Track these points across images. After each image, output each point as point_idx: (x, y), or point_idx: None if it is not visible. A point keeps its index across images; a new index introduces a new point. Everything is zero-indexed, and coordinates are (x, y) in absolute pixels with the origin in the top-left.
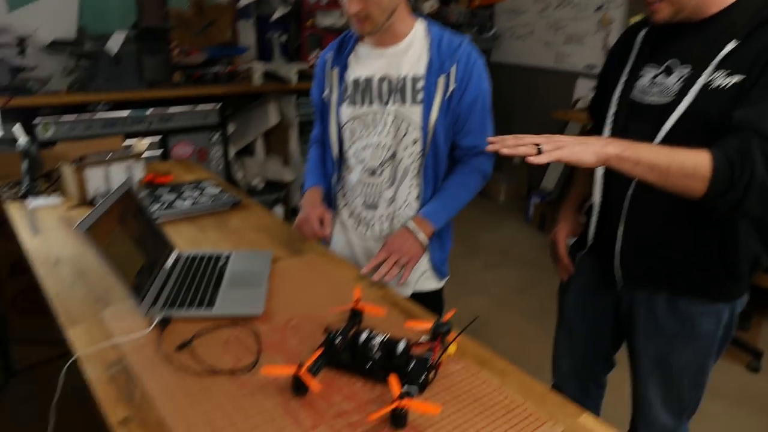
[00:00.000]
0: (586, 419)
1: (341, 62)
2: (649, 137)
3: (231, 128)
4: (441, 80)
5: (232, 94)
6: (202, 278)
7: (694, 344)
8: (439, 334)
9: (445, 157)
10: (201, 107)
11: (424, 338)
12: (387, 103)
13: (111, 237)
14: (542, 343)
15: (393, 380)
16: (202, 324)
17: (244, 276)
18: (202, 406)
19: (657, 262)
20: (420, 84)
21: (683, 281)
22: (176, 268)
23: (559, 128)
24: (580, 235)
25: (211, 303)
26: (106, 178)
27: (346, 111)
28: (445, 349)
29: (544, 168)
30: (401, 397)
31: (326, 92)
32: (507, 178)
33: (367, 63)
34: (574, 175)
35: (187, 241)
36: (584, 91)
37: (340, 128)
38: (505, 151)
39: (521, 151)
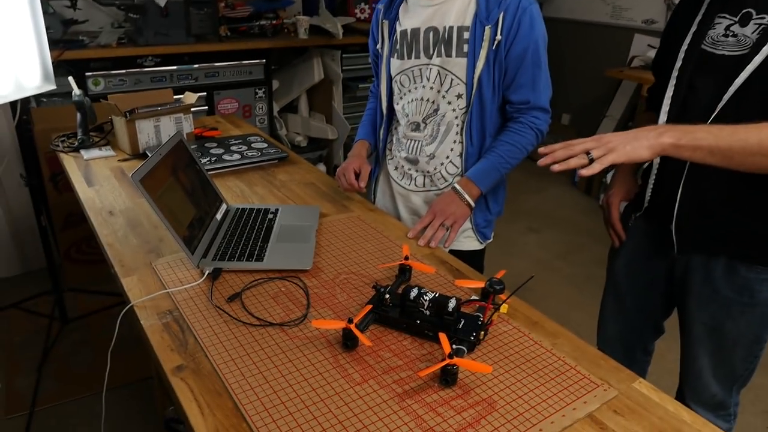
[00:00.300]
0: (641, 385)
1: (392, 14)
2: (717, 93)
3: (275, 84)
4: (487, 31)
5: (277, 48)
6: (251, 232)
7: (752, 313)
8: (491, 294)
9: (493, 114)
10: (246, 62)
11: (474, 297)
12: (432, 55)
13: (163, 188)
14: (586, 310)
15: (443, 338)
16: (251, 277)
17: (292, 231)
18: (252, 356)
19: (717, 226)
20: (465, 35)
21: (744, 246)
22: (226, 221)
23: (613, 87)
24: (635, 198)
25: (260, 256)
26: (157, 131)
27: (395, 64)
28: (498, 308)
29: (592, 132)
30: (451, 355)
31: (379, 44)
32: (554, 138)
33: (415, 14)
34: (635, 125)
35: (235, 195)
36: (641, 48)
37: (390, 81)
38: (556, 168)
39: (572, 164)
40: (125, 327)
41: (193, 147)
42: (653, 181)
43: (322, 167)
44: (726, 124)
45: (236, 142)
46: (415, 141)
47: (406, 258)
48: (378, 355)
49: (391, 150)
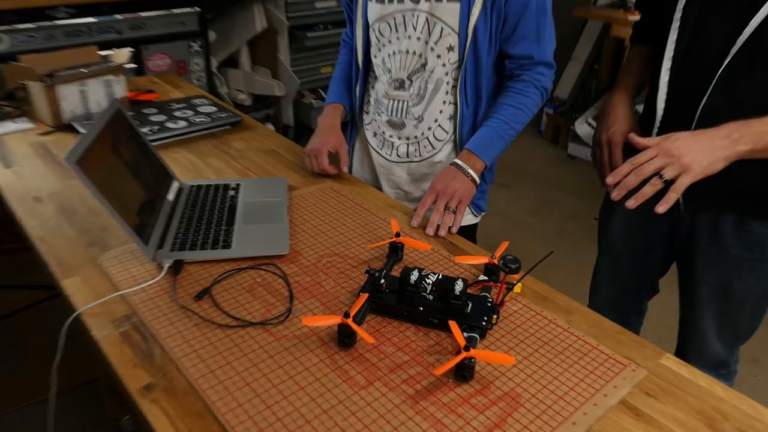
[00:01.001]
0: (669, 360)
1: None
2: (729, 38)
3: (212, 36)
4: None
5: None
6: (212, 213)
7: (762, 269)
8: (503, 273)
9: (489, 70)
10: (178, 11)
11: (483, 277)
12: None
13: (105, 169)
14: (563, 267)
15: (455, 327)
16: (219, 267)
17: (259, 209)
18: (235, 365)
19: (729, 181)
20: None
21: (757, 202)
22: (180, 201)
23: (578, 28)
24: (628, 148)
25: (227, 242)
26: (83, 97)
27: (374, 9)
28: (511, 288)
29: (557, 76)
30: (467, 347)
31: None
32: None
33: None
34: (627, 61)
35: (186, 170)
36: None
37: (367, 29)
38: (631, 204)
39: (648, 193)
40: (54, 325)
41: (129, 115)
42: (658, 128)
43: (270, 128)
44: (738, 73)
45: (179, 106)
46: (399, 101)
47: (397, 235)
48: (380, 351)
49: (368, 112)
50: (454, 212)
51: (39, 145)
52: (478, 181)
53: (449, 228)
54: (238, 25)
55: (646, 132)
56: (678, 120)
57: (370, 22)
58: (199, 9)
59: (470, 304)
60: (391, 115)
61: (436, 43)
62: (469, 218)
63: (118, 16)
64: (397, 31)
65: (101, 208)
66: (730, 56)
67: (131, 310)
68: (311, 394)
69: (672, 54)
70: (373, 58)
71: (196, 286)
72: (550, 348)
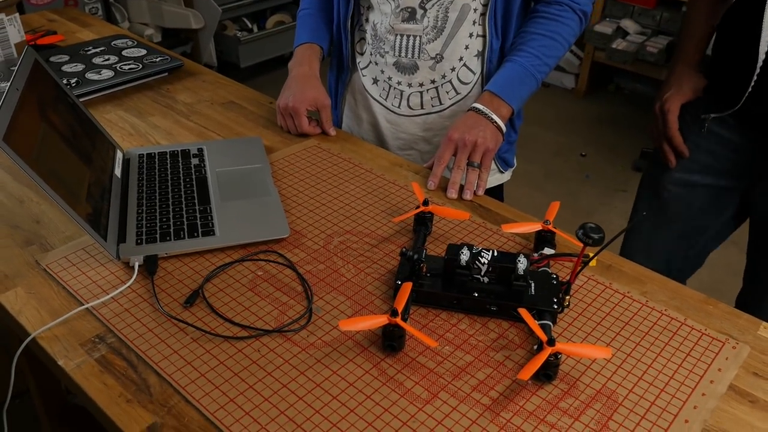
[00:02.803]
0: (767, 330)
1: None
2: None
3: None
4: None
5: None
6: (177, 190)
7: None
8: (581, 243)
9: None
10: None
11: (549, 251)
12: None
13: (39, 143)
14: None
15: (528, 317)
16: (204, 261)
17: (237, 180)
18: (258, 388)
19: None
20: None
21: None
22: (131, 178)
23: None
24: (709, 96)
25: (208, 228)
26: None
27: None
28: (587, 263)
29: None
30: (551, 341)
31: None
32: None
33: None
34: (687, 18)
35: (125, 134)
36: None
37: None
38: None
39: None
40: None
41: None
42: (757, 76)
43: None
44: None
45: (98, 50)
46: (410, 37)
47: (425, 203)
48: (436, 353)
49: (363, 53)
50: (479, 168)
51: None
52: (504, 128)
53: (475, 189)
54: None
55: (735, 85)
56: None
57: None
58: None
59: (533, 284)
60: (399, 54)
61: None
62: (496, 176)
63: None
64: None
65: (27, 193)
66: None
67: (104, 327)
68: (365, 417)
69: None
70: None
71: (181, 288)
72: (633, 329)
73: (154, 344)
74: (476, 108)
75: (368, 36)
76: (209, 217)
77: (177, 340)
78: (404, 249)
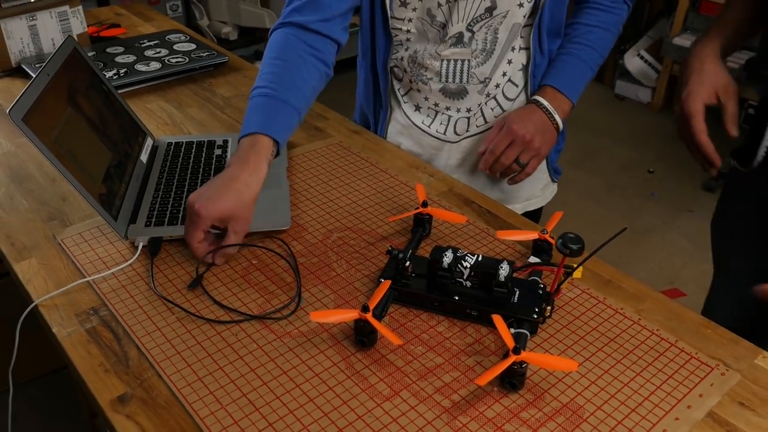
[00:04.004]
0: (766, 361)
1: None
2: None
3: None
4: None
5: None
6: (195, 177)
7: None
8: (561, 253)
9: (566, 2)
10: None
11: (534, 260)
12: None
13: (60, 125)
14: (611, 230)
15: (500, 323)
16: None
17: None
18: (229, 371)
19: None
20: None
21: None
22: (155, 163)
23: None
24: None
25: None
26: (34, 34)
27: None
28: (571, 273)
29: None
30: (517, 350)
31: None
32: None
33: None
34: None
35: (161, 123)
36: None
37: None
38: None
39: None
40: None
41: (90, 56)
42: None
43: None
44: None
45: (151, 44)
46: (458, 62)
47: (424, 204)
48: (407, 352)
49: (401, 80)
50: (523, 167)
51: None
52: (561, 128)
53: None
54: None
55: None
56: None
57: None
58: None
59: (517, 292)
60: (446, 80)
61: None
62: (550, 188)
63: None
64: None
65: (59, 173)
66: None
67: (100, 300)
68: (323, 407)
69: None
70: (402, 20)
71: (178, 270)
72: (618, 346)
73: (141, 320)
74: (539, 102)
75: (405, 64)
76: None
77: (163, 318)
78: (391, 248)
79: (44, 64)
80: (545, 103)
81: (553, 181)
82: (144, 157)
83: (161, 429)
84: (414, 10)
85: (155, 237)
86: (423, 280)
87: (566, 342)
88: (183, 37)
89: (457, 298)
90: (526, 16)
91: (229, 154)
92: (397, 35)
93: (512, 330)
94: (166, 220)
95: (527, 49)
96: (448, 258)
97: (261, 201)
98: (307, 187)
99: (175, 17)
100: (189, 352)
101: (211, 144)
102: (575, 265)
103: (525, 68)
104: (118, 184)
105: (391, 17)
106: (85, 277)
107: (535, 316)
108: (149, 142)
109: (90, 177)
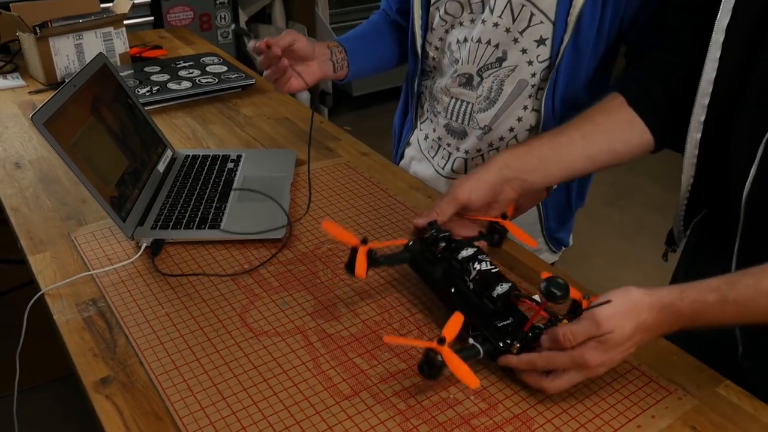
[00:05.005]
0: (728, 390)
1: None
2: None
3: None
4: None
5: None
6: (205, 188)
7: None
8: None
9: (591, 68)
10: None
11: (535, 298)
12: None
13: (80, 132)
14: (640, 269)
15: (456, 319)
16: (204, 250)
17: (259, 185)
18: (203, 363)
19: None
20: None
21: None
22: (171, 173)
23: None
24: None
25: (216, 222)
26: (79, 52)
27: None
28: (553, 322)
29: None
30: (442, 341)
31: None
32: None
33: None
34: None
35: (184, 137)
36: None
37: (427, 6)
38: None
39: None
40: (35, 314)
41: (127, 73)
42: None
43: (305, 93)
44: None
45: (186, 65)
46: (463, 102)
47: (503, 217)
48: (373, 357)
49: (423, 108)
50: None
51: (28, 105)
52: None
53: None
54: None
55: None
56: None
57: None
58: None
59: (510, 320)
60: (450, 117)
61: (521, 33)
62: (544, 255)
63: None
64: (471, 11)
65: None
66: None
67: (100, 293)
68: (285, 402)
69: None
70: (431, 43)
71: (175, 270)
72: None
73: (133, 312)
74: None
75: (427, 92)
76: (221, 213)
77: (153, 313)
78: (434, 222)
79: (73, 76)
80: None
81: (553, 251)
82: (161, 166)
83: (135, 410)
84: (440, 39)
85: (158, 239)
86: (443, 264)
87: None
88: (217, 60)
89: (453, 290)
90: (536, 76)
91: (239, 168)
92: (426, 60)
93: (471, 341)
94: (171, 224)
95: (539, 111)
96: (467, 252)
97: (260, 211)
98: (308, 201)
99: (226, 44)
100: (171, 344)
101: (225, 158)
102: (561, 317)
103: (534, 129)
104: (131, 189)
105: (422, 37)
106: (89, 271)
107: (501, 345)
108: (168, 153)
109: (104, 180)
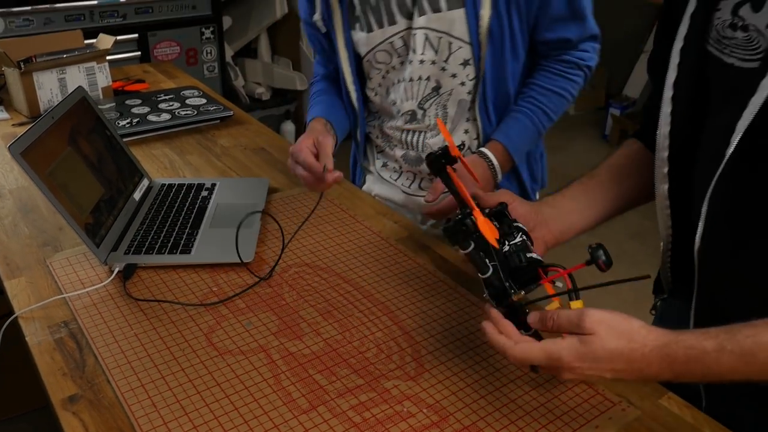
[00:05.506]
0: (671, 402)
1: None
2: (730, 125)
3: (227, 22)
4: None
5: None
6: (179, 215)
7: None
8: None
9: (516, 72)
10: None
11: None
12: (412, 15)
13: (57, 162)
14: (616, 295)
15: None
16: (175, 274)
17: (230, 212)
18: (168, 380)
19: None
20: None
21: None
22: (147, 201)
23: (651, 16)
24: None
25: (187, 247)
26: (62, 86)
27: (361, 39)
28: (568, 294)
29: (626, 71)
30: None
31: (317, 14)
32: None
33: None
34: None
35: (161, 167)
36: None
37: (357, 64)
38: None
39: None
40: (10, 342)
41: (109, 106)
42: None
43: (289, 126)
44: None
45: (166, 97)
46: (416, 132)
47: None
48: (332, 373)
49: (376, 150)
50: None
51: (11, 137)
52: (499, 172)
53: None
54: (257, 10)
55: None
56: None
57: (360, 54)
58: None
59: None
60: (407, 148)
61: (446, 61)
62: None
63: (122, 0)
64: (399, 55)
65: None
66: (727, 156)
67: (71, 315)
68: (245, 416)
69: (667, 153)
70: (369, 93)
71: (146, 293)
72: (529, 379)
73: (103, 333)
74: (484, 153)
75: (377, 131)
76: (192, 239)
77: (122, 334)
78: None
79: (51, 108)
80: (488, 153)
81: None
82: (137, 195)
83: (101, 426)
84: (379, 85)
85: (131, 263)
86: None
87: (478, 371)
88: (197, 93)
89: (482, 254)
90: (471, 93)
91: (213, 196)
92: (371, 104)
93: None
94: (144, 249)
95: (476, 120)
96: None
97: (229, 237)
98: (277, 228)
99: (211, 77)
100: (138, 363)
101: (200, 186)
102: (575, 296)
103: (478, 137)
104: (106, 216)
105: (356, 91)
106: (62, 294)
107: (507, 284)
108: (145, 182)
109: (79, 208)
